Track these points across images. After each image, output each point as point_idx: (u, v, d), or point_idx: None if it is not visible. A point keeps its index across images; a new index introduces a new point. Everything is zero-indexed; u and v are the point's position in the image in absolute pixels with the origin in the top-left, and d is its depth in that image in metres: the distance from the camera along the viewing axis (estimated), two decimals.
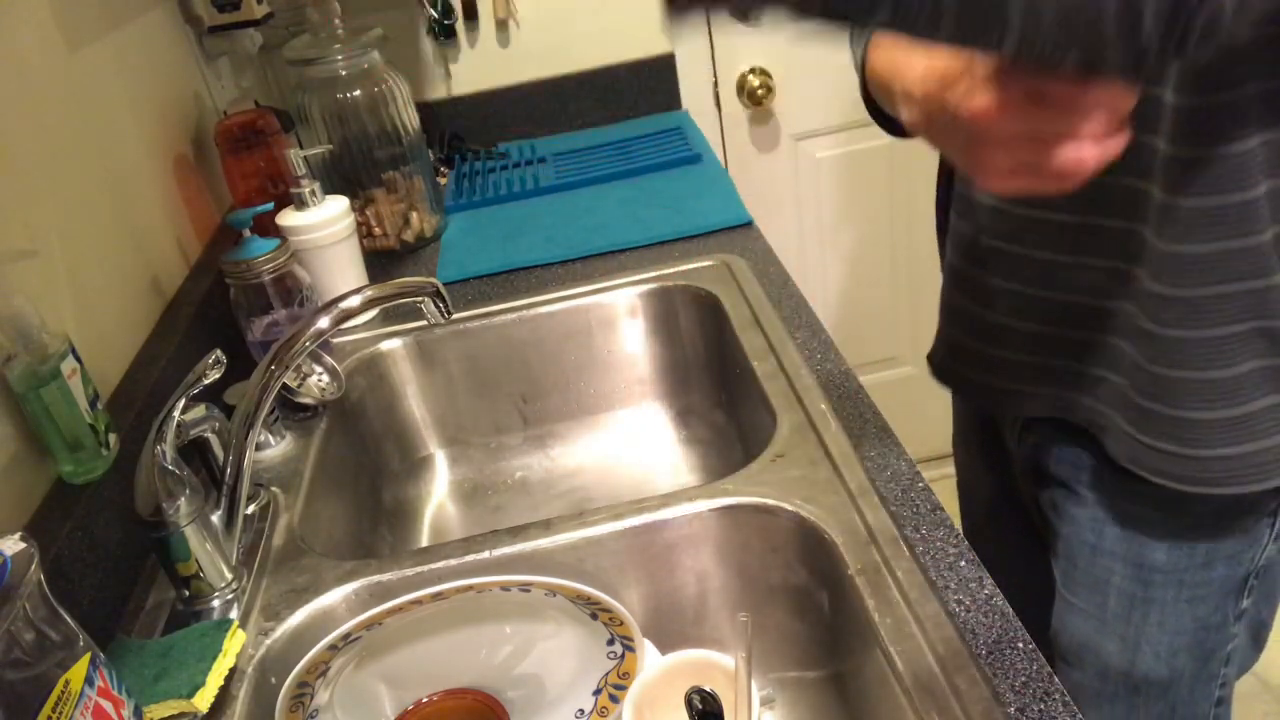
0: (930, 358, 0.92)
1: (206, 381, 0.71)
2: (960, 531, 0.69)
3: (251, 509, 0.85)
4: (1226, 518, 0.75)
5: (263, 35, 1.47)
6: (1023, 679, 0.58)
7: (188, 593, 0.75)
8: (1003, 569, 0.70)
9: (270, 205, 1.04)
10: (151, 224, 1.06)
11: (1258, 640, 0.84)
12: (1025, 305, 0.78)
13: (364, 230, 1.28)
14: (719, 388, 1.12)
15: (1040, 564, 0.89)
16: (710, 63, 1.68)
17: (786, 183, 1.79)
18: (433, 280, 0.82)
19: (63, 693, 0.52)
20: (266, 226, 1.03)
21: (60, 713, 0.51)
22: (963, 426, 1.03)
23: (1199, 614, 0.79)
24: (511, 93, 1.64)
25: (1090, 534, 0.81)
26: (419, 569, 0.76)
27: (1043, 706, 0.56)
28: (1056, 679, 0.58)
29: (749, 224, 1.22)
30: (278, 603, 0.75)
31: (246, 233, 0.97)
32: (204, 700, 0.65)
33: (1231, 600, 0.79)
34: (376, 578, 0.76)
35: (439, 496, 1.11)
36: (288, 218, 1.06)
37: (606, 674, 0.71)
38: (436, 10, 1.56)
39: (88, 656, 0.55)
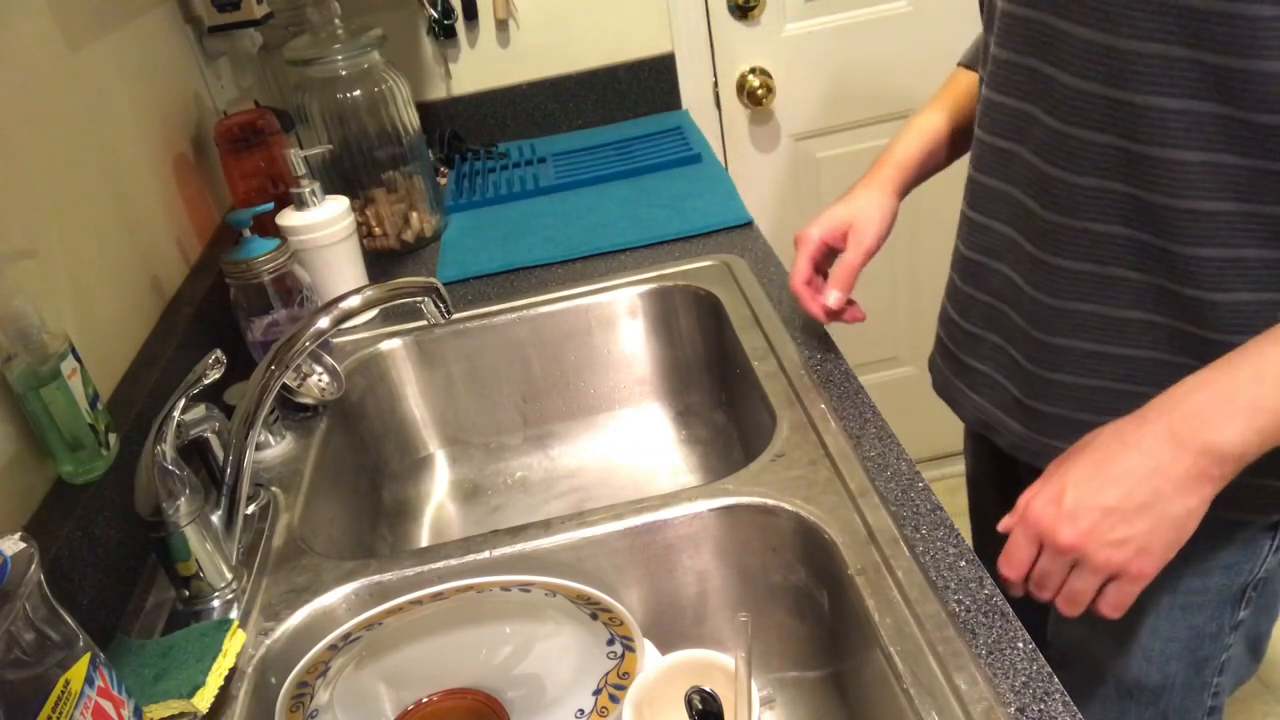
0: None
1: (206, 381, 0.71)
2: (959, 531, 0.69)
3: (251, 509, 0.85)
4: (1225, 529, 0.74)
5: (263, 35, 1.47)
6: (1023, 679, 0.58)
7: (188, 593, 0.75)
8: None
9: (270, 205, 1.04)
10: (151, 224, 1.06)
11: (1256, 652, 0.83)
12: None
13: (364, 230, 1.28)
14: (719, 388, 1.12)
15: None
16: (710, 63, 1.68)
17: (786, 183, 1.79)
18: (433, 280, 0.82)
19: (63, 693, 0.52)
20: (266, 226, 1.03)
21: (60, 713, 0.51)
22: (975, 457, 1.02)
23: (1194, 622, 0.78)
24: (511, 93, 1.64)
25: None
26: (419, 569, 0.76)
27: (1043, 706, 0.56)
28: (1056, 679, 0.58)
29: (749, 224, 1.22)
30: (278, 603, 0.75)
31: (246, 233, 0.97)
32: (204, 700, 0.65)
33: (1228, 610, 0.78)
34: (376, 578, 0.76)
35: (439, 496, 1.11)
36: (288, 218, 1.06)
37: (606, 674, 0.71)
38: (436, 10, 1.56)
39: (88, 656, 0.55)
